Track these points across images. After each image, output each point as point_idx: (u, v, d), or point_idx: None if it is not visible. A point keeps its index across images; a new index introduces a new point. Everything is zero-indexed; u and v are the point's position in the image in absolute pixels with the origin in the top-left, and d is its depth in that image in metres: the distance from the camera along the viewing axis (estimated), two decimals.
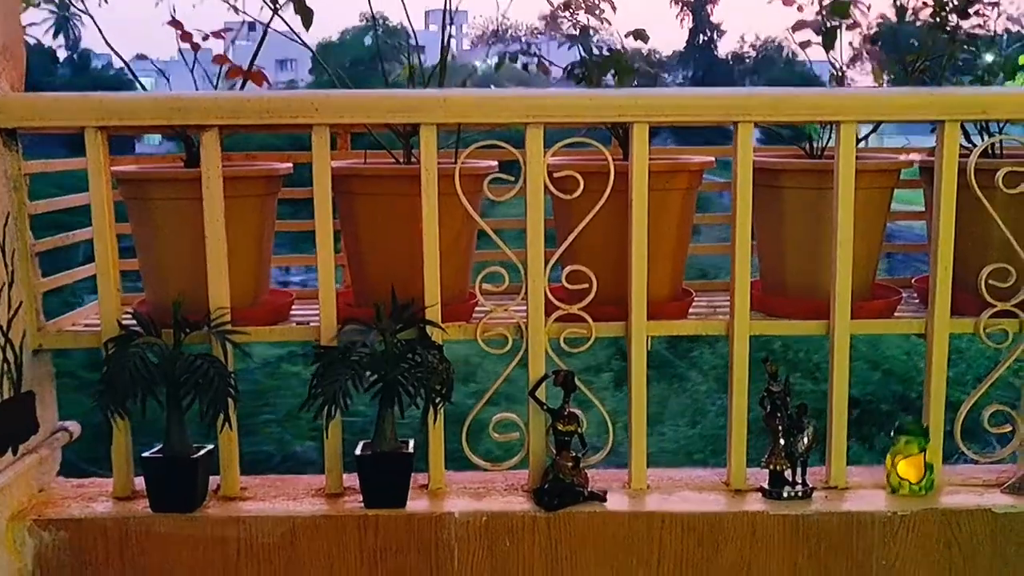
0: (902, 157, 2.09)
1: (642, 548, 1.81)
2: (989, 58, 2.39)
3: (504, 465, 1.93)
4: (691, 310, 2.03)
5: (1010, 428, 1.95)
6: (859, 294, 2.01)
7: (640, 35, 1.91)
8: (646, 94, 1.87)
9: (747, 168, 1.84)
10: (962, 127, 1.99)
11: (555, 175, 1.86)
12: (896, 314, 2.04)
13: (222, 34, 1.95)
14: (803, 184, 1.99)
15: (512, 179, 1.84)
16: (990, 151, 2.00)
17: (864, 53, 2.32)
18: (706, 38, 38.29)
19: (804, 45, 2.21)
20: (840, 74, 2.20)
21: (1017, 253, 1.89)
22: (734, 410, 1.90)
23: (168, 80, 2.10)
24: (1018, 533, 1.83)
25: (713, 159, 2.02)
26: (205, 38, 1.96)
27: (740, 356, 1.89)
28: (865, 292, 2.04)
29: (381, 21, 2.53)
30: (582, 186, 1.84)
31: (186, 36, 1.96)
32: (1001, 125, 1.99)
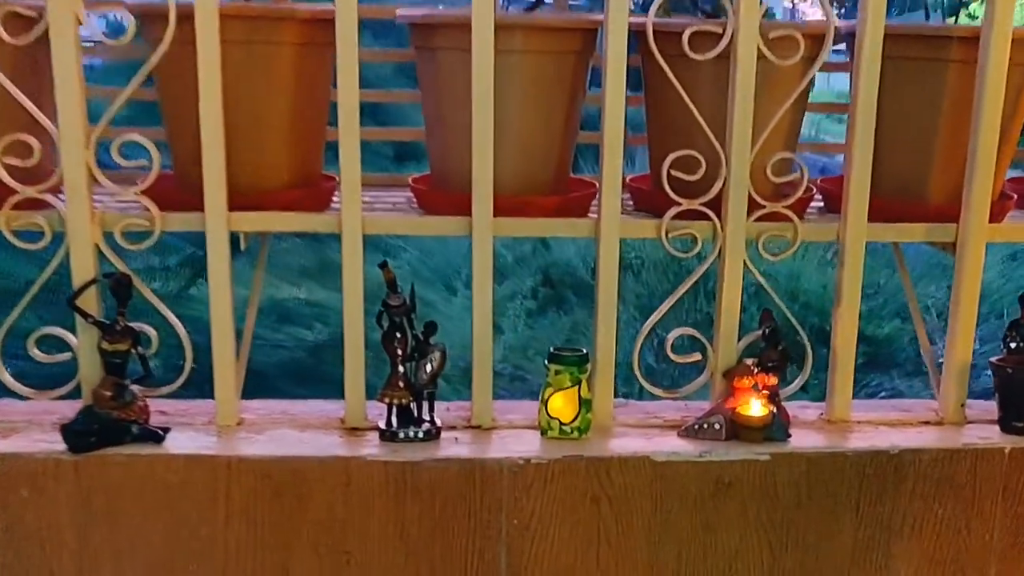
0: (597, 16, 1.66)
1: (204, 501, 1.41)
2: None
3: (54, 393, 1.51)
4: (334, 204, 1.61)
5: (700, 358, 1.59)
6: (534, 188, 1.61)
7: None
8: None
9: (350, 30, 1.41)
10: None
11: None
12: (591, 214, 1.64)
13: None
14: (460, 44, 1.55)
15: (35, 15, 1.39)
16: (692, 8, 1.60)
17: None
18: None
19: None
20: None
21: (709, 137, 1.50)
22: (349, 327, 1.50)
23: None
24: (681, 484, 1.47)
25: (328, 7, 1.55)
26: None
27: (352, 260, 1.48)
28: (545, 186, 1.64)
29: None
30: (133, 30, 1.39)
31: None
32: None
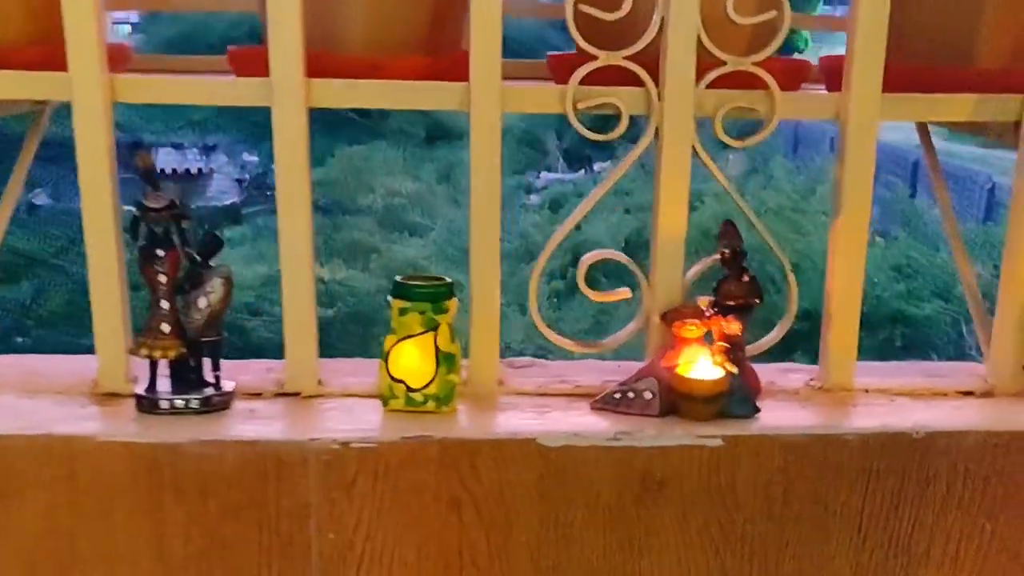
0: None
1: None
2: None
3: None
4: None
5: (629, 294, 1.08)
6: (393, 49, 1.11)
7: None
8: None
9: None
10: None
11: None
12: None
13: None
14: None
15: None
16: None
17: None
18: None
19: None
20: None
21: None
22: (93, 237, 1.01)
23: None
24: (588, 483, 0.96)
25: None
26: None
27: (94, 136, 0.99)
28: (411, 48, 1.13)
29: None
30: None
31: None
32: None
